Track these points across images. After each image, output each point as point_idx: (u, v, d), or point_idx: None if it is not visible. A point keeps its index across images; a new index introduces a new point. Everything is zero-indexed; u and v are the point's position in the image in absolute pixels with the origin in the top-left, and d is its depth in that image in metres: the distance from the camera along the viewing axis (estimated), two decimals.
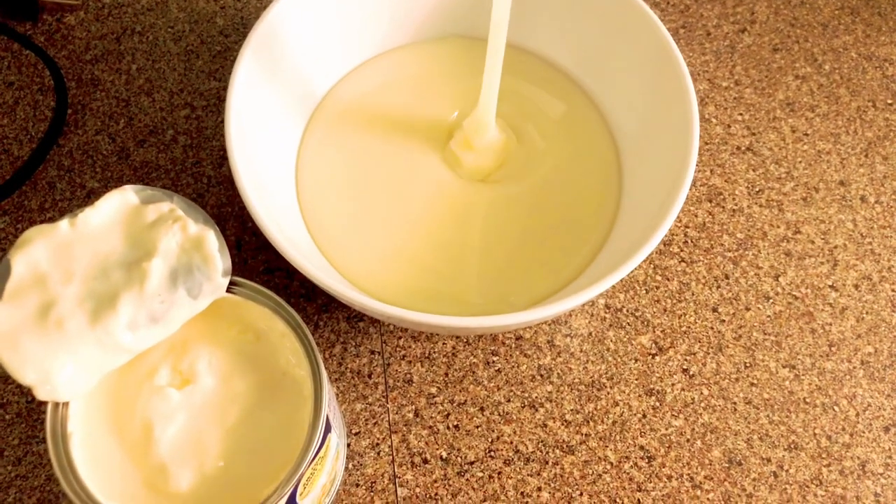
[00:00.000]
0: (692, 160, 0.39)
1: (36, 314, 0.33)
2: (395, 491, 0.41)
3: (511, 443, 0.42)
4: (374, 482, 0.41)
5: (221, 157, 0.50)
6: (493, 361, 0.44)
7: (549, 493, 0.41)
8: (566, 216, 0.43)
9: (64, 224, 0.34)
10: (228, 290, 0.35)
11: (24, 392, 0.43)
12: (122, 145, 0.50)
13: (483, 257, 0.42)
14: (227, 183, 0.49)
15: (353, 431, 0.43)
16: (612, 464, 0.42)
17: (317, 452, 0.33)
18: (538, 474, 0.42)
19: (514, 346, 0.45)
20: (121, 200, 0.35)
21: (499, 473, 0.42)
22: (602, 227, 0.43)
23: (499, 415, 0.43)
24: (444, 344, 0.45)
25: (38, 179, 0.49)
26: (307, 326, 0.35)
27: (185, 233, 0.34)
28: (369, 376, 0.44)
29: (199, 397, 0.35)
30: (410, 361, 0.44)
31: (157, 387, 0.35)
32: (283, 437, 0.34)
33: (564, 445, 0.42)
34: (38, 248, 0.34)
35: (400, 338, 0.45)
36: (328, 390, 0.34)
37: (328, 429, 0.35)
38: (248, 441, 0.34)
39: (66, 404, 0.33)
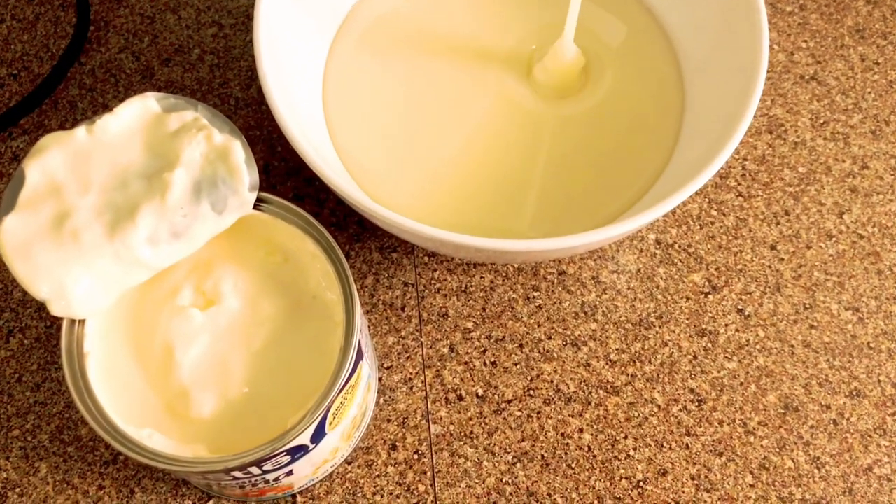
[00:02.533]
0: (758, 86, 0.36)
1: (50, 224, 0.31)
2: (428, 428, 0.39)
3: (551, 382, 0.40)
4: (406, 418, 0.40)
5: (249, 78, 0.47)
6: (534, 297, 0.42)
7: (591, 434, 0.39)
8: (625, 141, 0.41)
9: (81, 131, 0.33)
10: (256, 206, 0.33)
11: (44, 316, 0.42)
12: (146, 64, 0.48)
13: (534, 184, 0.40)
14: (256, 105, 0.47)
15: (385, 366, 0.41)
16: (659, 406, 0.40)
17: (347, 380, 0.31)
18: (580, 415, 0.40)
19: (556, 281, 0.43)
20: (142, 108, 0.33)
21: (538, 413, 0.40)
22: (660, 154, 0.40)
23: (539, 352, 0.41)
24: (481, 278, 0.43)
25: (58, 98, 0.47)
26: (339, 248, 0.33)
27: (209, 143, 0.32)
28: (402, 309, 0.42)
29: (223, 319, 0.33)
30: (446, 295, 0.42)
31: (179, 307, 0.33)
32: (312, 363, 0.32)
33: (609, 386, 0.40)
34: (53, 156, 0.32)
35: (435, 270, 0.43)
36: (360, 316, 0.32)
37: (360, 356, 0.33)
38: (274, 366, 0.33)
39: (82, 323, 0.32)
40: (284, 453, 0.31)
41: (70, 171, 0.32)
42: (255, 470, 0.31)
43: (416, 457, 0.39)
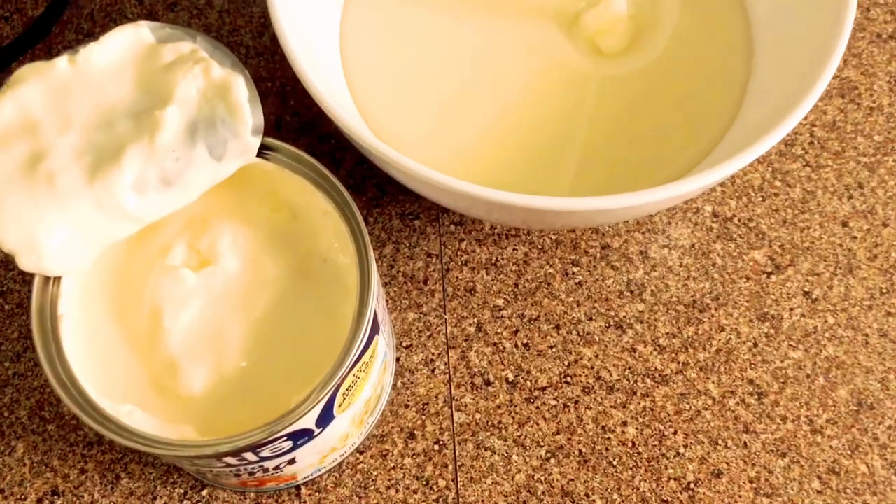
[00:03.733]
0: (841, 43, 0.32)
1: (23, 166, 0.27)
2: (451, 415, 0.35)
3: (592, 368, 0.36)
4: (427, 404, 0.35)
5: (262, 26, 0.43)
6: (574, 273, 0.38)
7: (637, 428, 0.35)
8: (682, 102, 0.37)
9: (62, 62, 0.29)
10: (260, 154, 0.29)
11: (28, 279, 0.38)
12: (149, 9, 0.44)
13: (577, 145, 0.36)
14: (268, 54, 0.43)
15: (404, 344, 0.37)
16: (713, 399, 0.35)
17: (360, 355, 0.27)
18: (623, 406, 0.35)
19: (598, 255, 0.38)
20: (133, 37, 0.29)
21: (575, 403, 0.35)
22: (721, 116, 0.36)
23: (578, 334, 0.37)
24: (514, 250, 0.38)
25: (53, 44, 0.43)
26: (355, 204, 0.29)
27: (207, 77, 0.28)
28: (425, 282, 0.38)
29: (219, 281, 0.29)
30: (474, 268, 0.38)
31: (169, 266, 0.29)
32: (321, 335, 0.28)
33: (657, 374, 0.36)
34: (31, 89, 0.28)
35: (462, 240, 0.39)
36: (377, 283, 0.28)
37: (375, 329, 0.29)
38: (277, 338, 0.29)
39: (57, 281, 0.28)
40: (285, 438, 0.27)
41: (48, 107, 0.28)
42: (250, 456, 0.27)
43: (436, 448, 0.35)
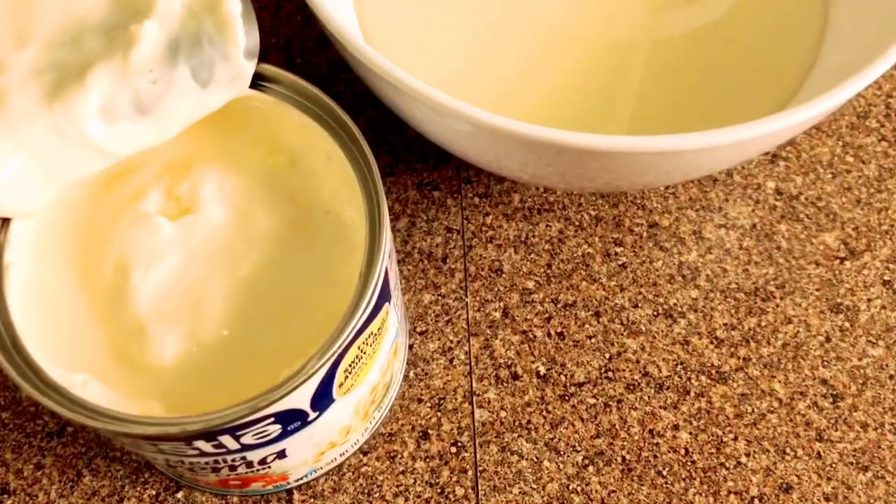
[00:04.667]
0: None
1: None
2: (472, 413, 0.30)
3: (637, 362, 0.31)
4: (444, 398, 0.31)
5: None
6: (616, 253, 0.33)
7: (690, 433, 0.30)
8: (758, 42, 0.32)
9: None
10: (255, 85, 0.25)
11: None
12: None
13: (637, 86, 0.31)
14: (272, 8, 0.39)
15: (419, 330, 0.32)
16: (780, 401, 0.30)
17: (367, 322, 0.23)
18: (674, 407, 0.30)
19: (645, 234, 0.33)
20: None
21: (618, 402, 0.30)
22: (801, 61, 0.31)
23: (621, 323, 0.32)
24: (547, 226, 0.34)
25: None
26: (367, 146, 0.24)
27: None
28: (443, 260, 0.33)
29: (200, 233, 0.24)
30: (501, 245, 0.33)
31: (141, 213, 0.24)
32: (320, 301, 0.24)
33: (713, 371, 0.31)
34: None
35: (487, 214, 0.34)
36: (389, 238, 0.23)
37: (386, 295, 0.24)
38: (267, 302, 0.24)
39: (6, 223, 0.23)
40: (272, 420, 0.22)
41: (3, 18, 0.24)
42: (230, 443, 0.22)
43: (454, 450, 0.30)
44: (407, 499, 0.29)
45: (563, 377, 0.31)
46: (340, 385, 0.24)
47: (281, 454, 0.25)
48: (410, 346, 0.32)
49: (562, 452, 0.30)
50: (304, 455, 0.26)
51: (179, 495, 0.29)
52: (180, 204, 0.25)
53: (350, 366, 0.23)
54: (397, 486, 0.29)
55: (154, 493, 0.29)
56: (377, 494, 0.29)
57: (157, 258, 0.24)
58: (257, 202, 0.25)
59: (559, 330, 0.32)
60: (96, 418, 0.21)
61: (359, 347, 0.23)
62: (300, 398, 0.22)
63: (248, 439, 0.23)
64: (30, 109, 0.23)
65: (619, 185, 0.29)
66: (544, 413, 0.30)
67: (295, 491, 0.29)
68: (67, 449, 0.30)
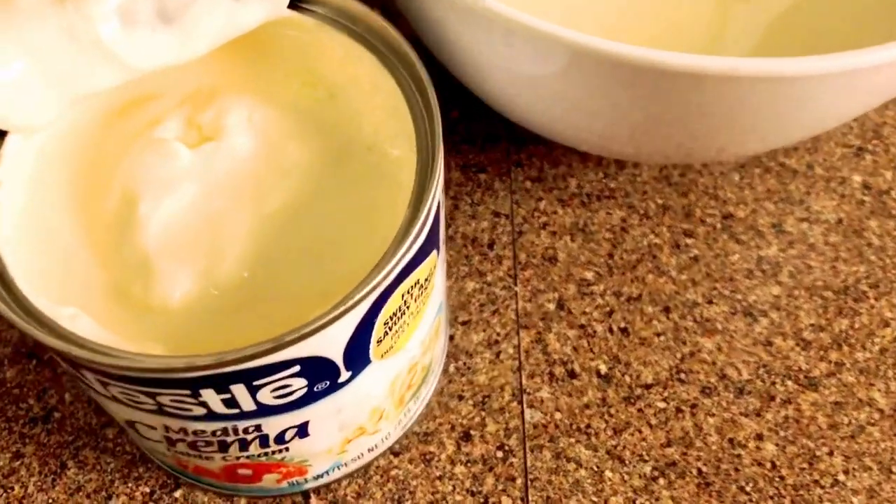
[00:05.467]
0: None
1: None
2: (522, 413, 0.26)
3: (713, 364, 0.27)
4: (488, 396, 0.27)
5: None
6: (687, 245, 0.30)
7: (777, 444, 0.26)
8: None
9: None
10: (293, 5, 0.22)
11: None
12: None
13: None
14: None
15: (460, 320, 0.28)
16: (881, 412, 0.26)
17: (413, 264, 0.19)
18: (757, 415, 0.26)
19: (719, 226, 0.30)
20: None
21: (692, 406, 0.27)
22: None
23: (694, 320, 0.28)
24: (608, 214, 0.30)
25: None
26: (425, 70, 0.21)
27: None
28: (490, 246, 0.30)
29: (222, 163, 0.21)
30: (555, 232, 0.30)
31: (155, 139, 0.21)
32: (356, 243, 0.21)
33: (802, 376, 0.27)
34: None
35: (540, 199, 0.31)
36: (441, 180, 0.20)
37: (434, 241, 0.21)
38: (295, 242, 0.21)
39: (1, 136, 0.20)
40: (297, 368, 0.18)
41: None
42: (244, 398, 0.19)
43: (500, 454, 0.26)
44: None
45: (627, 377, 0.27)
46: (379, 342, 0.20)
47: (302, 430, 0.21)
48: (451, 338, 0.28)
49: (627, 462, 0.26)
50: (328, 438, 0.22)
51: (178, 494, 0.25)
52: (202, 133, 0.22)
53: (391, 318, 0.20)
54: (433, 494, 0.25)
55: (148, 490, 0.26)
56: (409, 502, 0.25)
57: (170, 187, 0.21)
58: (289, 134, 0.22)
59: (623, 325, 0.28)
60: (83, 350, 0.17)
61: (402, 297, 0.20)
62: (332, 342, 0.18)
63: (266, 396, 0.19)
64: (39, 6, 0.20)
65: (701, 145, 0.26)
66: (606, 417, 0.27)
67: (312, 495, 0.25)
68: (52, 437, 0.26)
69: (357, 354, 0.20)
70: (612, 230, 0.30)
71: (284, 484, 0.24)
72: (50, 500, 0.25)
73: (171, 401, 0.19)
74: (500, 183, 0.31)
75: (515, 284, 0.29)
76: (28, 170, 0.21)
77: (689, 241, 0.30)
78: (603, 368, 0.27)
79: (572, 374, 0.27)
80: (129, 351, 0.17)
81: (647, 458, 0.26)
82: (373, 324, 0.19)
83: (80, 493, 0.25)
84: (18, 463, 0.26)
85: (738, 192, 0.31)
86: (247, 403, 0.19)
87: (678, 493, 0.25)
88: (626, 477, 0.25)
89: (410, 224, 0.19)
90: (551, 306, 0.29)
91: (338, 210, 0.21)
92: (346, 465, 0.25)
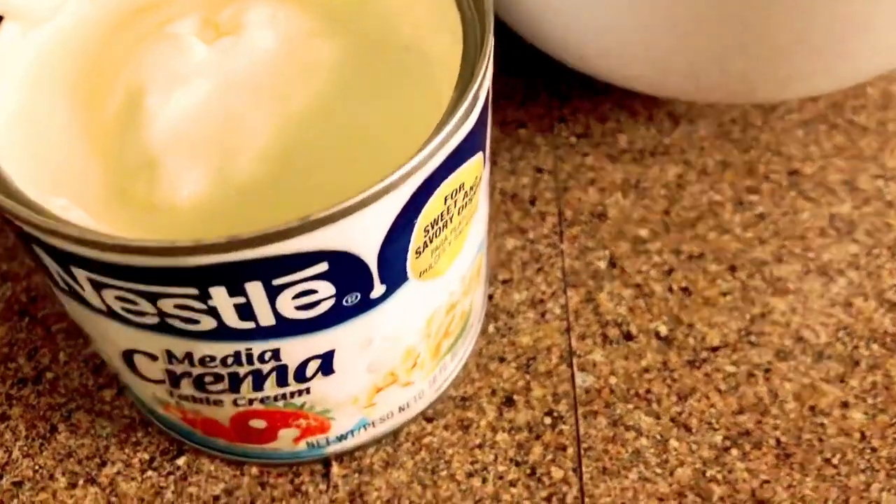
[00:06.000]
0: None
1: None
2: (572, 377, 0.23)
3: (787, 325, 0.24)
4: (533, 358, 0.24)
5: None
6: (751, 202, 0.27)
7: (866, 413, 0.23)
8: None
9: None
10: None
11: None
12: None
13: None
14: None
15: (500, 278, 0.25)
16: None
17: (457, 158, 0.17)
18: (841, 381, 0.23)
19: (785, 183, 0.27)
20: None
21: (766, 371, 0.24)
22: None
23: (763, 279, 0.25)
24: (662, 170, 0.28)
25: None
26: None
27: None
28: (532, 202, 0.27)
29: (242, 59, 0.19)
30: (604, 189, 0.27)
31: (167, 33, 0.19)
32: (388, 149, 0.18)
33: (888, 340, 0.24)
34: None
35: (586, 155, 0.28)
36: (490, 63, 0.18)
37: (481, 141, 0.18)
38: (321, 144, 0.18)
39: None
40: (325, 266, 0.16)
41: None
42: (261, 303, 0.16)
43: (548, 421, 0.23)
44: (485, 479, 0.22)
45: (691, 340, 0.24)
46: (418, 253, 0.17)
47: (327, 363, 0.18)
48: (490, 297, 0.25)
49: (694, 430, 0.23)
50: (355, 380, 0.19)
51: (181, 461, 0.23)
52: (219, 30, 0.20)
53: (432, 226, 0.17)
54: (472, 464, 0.22)
55: (147, 457, 0.23)
56: (444, 472, 0.22)
57: (182, 82, 0.18)
58: (316, 32, 0.20)
59: (683, 285, 0.25)
60: (69, 238, 0.15)
61: (445, 201, 0.17)
62: (366, 235, 0.16)
63: (287, 305, 0.16)
64: None
65: (764, 75, 0.23)
66: (668, 381, 0.24)
67: (334, 462, 0.22)
68: (42, 399, 0.24)
69: (393, 262, 0.17)
70: (668, 187, 0.27)
71: (302, 445, 0.21)
72: (36, 467, 0.22)
73: (176, 307, 0.16)
74: (542, 138, 0.29)
75: (561, 242, 0.26)
76: (27, 57, 0.19)
77: (753, 198, 0.27)
78: (663, 330, 0.24)
79: (628, 336, 0.24)
80: (115, 235, 0.15)
81: (716, 426, 0.23)
82: (412, 224, 0.17)
83: (71, 460, 0.23)
84: (3, 426, 0.23)
85: (804, 148, 0.28)
86: (264, 314, 0.16)
87: (754, 464, 0.22)
88: (694, 447, 0.22)
89: (457, 104, 0.16)
90: (602, 264, 0.26)
91: (368, 112, 0.19)
92: (373, 424, 0.22)
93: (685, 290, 0.25)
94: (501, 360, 0.24)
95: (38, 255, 0.16)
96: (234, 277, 0.15)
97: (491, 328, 0.25)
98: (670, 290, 0.25)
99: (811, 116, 0.29)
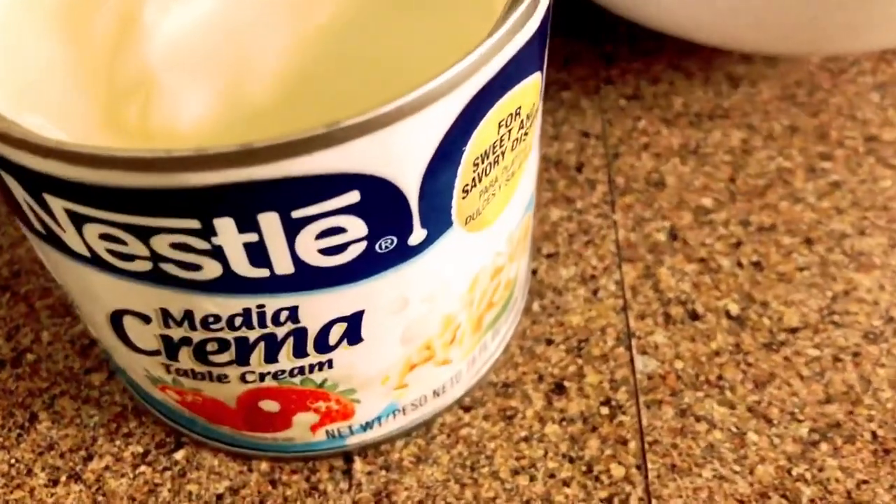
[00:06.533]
0: None
1: None
2: (632, 361, 0.20)
3: (875, 304, 0.21)
4: (586, 340, 0.21)
5: None
6: (824, 170, 0.24)
7: None
8: None
9: None
10: None
11: None
12: None
13: None
14: None
15: (544, 252, 0.23)
16: None
17: (514, 73, 0.14)
18: None
19: (862, 149, 0.24)
20: None
21: (854, 355, 0.20)
22: None
23: (844, 253, 0.22)
24: (724, 135, 0.25)
25: None
26: None
27: None
28: (578, 169, 0.24)
29: None
30: (660, 154, 0.24)
31: None
32: (427, 69, 0.15)
33: None
34: None
35: (638, 118, 0.25)
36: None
37: (539, 55, 0.15)
38: (349, 64, 0.15)
39: None
40: (354, 197, 0.13)
41: None
42: (277, 251, 0.13)
43: (605, 411, 0.20)
44: (533, 478, 0.19)
45: (766, 320, 0.21)
46: (465, 192, 0.14)
47: (354, 328, 0.15)
48: (534, 272, 0.22)
49: (775, 421, 0.20)
50: (386, 352, 0.16)
51: (179, 456, 0.19)
52: None
53: (482, 159, 0.14)
54: (517, 459, 0.19)
55: (141, 450, 0.20)
56: (486, 469, 0.19)
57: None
58: None
59: (754, 259, 0.22)
60: (46, 138, 0.12)
61: (499, 128, 0.14)
62: (406, 156, 0.13)
63: (309, 248, 0.13)
64: None
65: (835, 22, 0.20)
66: (743, 367, 0.20)
67: (357, 458, 0.19)
68: (21, 383, 0.21)
69: (437, 200, 0.14)
70: (732, 153, 0.25)
71: (321, 434, 0.18)
72: (12, 461, 0.19)
73: (173, 247, 0.13)
74: (588, 101, 0.26)
75: (613, 212, 0.23)
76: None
77: (826, 165, 0.24)
78: (733, 309, 0.21)
79: (694, 315, 0.21)
80: (105, 147, 0.12)
81: (801, 416, 0.20)
82: (460, 153, 0.14)
83: (52, 453, 0.20)
84: None
85: (881, 112, 0.25)
86: (281, 258, 0.13)
87: (848, 461, 0.19)
88: (776, 440, 0.19)
89: (515, 4, 0.13)
90: (661, 237, 0.23)
91: (406, 24, 0.16)
92: (403, 411, 0.19)
93: (756, 264, 0.22)
94: (549, 342, 0.21)
95: (7, 185, 0.13)
96: (244, 205, 0.12)
97: (535, 306, 0.22)
98: (739, 264, 0.22)
99: (886, 79, 0.26)
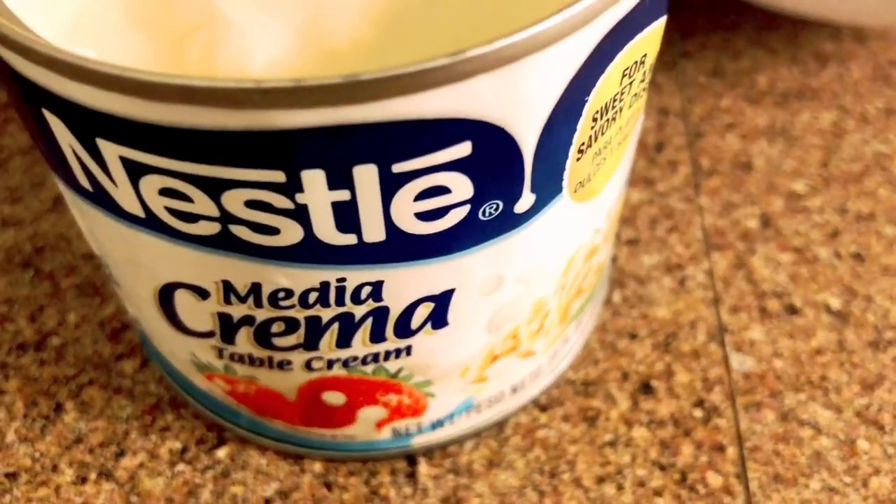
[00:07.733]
0: None
1: None
2: (725, 358, 0.18)
3: None
4: (674, 335, 0.19)
5: None
6: None
7: None
8: None
9: None
10: None
11: None
12: None
13: None
14: None
15: (624, 238, 0.21)
16: None
17: (644, 14, 0.12)
18: None
19: None
20: None
21: None
22: None
23: None
24: (814, 116, 0.23)
25: None
26: None
27: None
28: (658, 149, 0.22)
29: None
30: (746, 135, 0.23)
31: None
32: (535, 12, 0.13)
33: None
34: None
35: (720, 96, 0.23)
36: None
37: (664, 7, 0.13)
38: (449, 13, 0.13)
39: None
40: (465, 150, 0.11)
41: None
42: (370, 212, 0.11)
43: (699, 413, 0.18)
44: (620, 486, 0.17)
45: (870, 316, 0.19)
46: (580, 153, 0.13)
47: (441, 309, 0.13)
48: (614, 259, 0.20)
49: (888, 429, 0.18)
50: (471, 340, 0.15)
51: (221, 453, 0.18)
52: None
53: (601, 113, 0.12)
54: (602, 465, 0.17)
55: (179, 446, 0.18)
56: (567, 476, 0.17)
57: None
58: None
59: (853, 249, 0.20)
60: (105, 63, 0.10)
61: (621, 79, 0.12)
62: (531, 100, 0.11)
63: (405, 209, 0.11)
64: None
65: None
66: (847, 367, 0.19)
67: (422, 459, 0.17)
68: (46, 370, 0.19)
69: (552, 159, 0.12)
70: (823, 135, 0.23)
71: (386, 432, 0.16)
72: (37, 454, 0.18)
73: (249, 205, 0.11)
74: (665, 76, 0.24)
75: (698, 195, 0.21)
76: None
77: None
78: (834, 303, 0.20)
79: (792, 310, 0.19)
80: (166, 73, 0.10)
81: None
82: (583, 103, 0.12)
83: (80, 447, 0.18)
84: None
85: None
86: (373, 221, 0.11)
87: None
88: (890, 450, 0.17)
89: None
90: (753, 224, 0.21)
91: None
92: (477, 409, 0.17)
93: (857, 256, 0.20)
94: (632, 336, 0.19)
95: (50, 130, 0.11)
96: (339, 155, 0.10)
97: (616, 297, 0.20)
98: (838, 255, 0.20)
99: None
